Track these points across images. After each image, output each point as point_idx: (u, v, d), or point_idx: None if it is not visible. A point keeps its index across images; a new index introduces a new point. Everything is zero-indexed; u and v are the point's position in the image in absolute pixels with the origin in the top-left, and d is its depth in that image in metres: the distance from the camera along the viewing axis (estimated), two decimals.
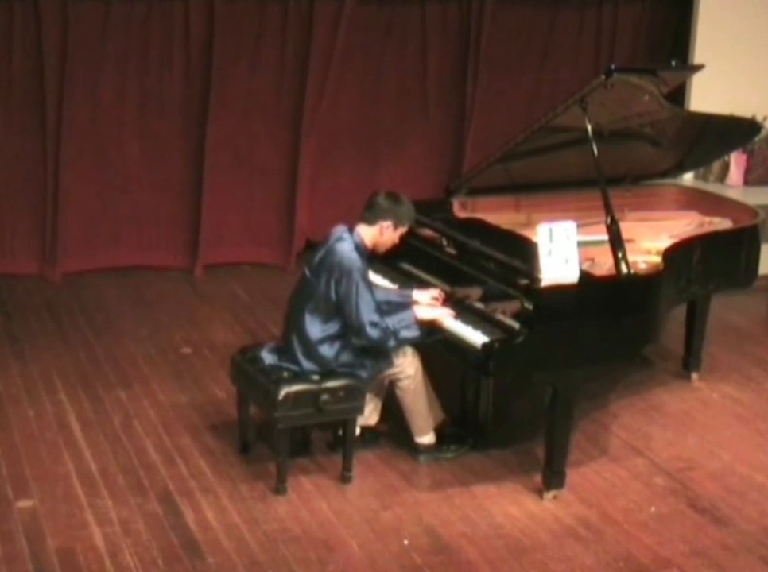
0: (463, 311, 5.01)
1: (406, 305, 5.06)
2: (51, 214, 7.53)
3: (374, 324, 4.80)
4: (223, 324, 6.91)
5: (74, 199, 7.55)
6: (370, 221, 4.93)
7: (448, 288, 5.21)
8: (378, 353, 4.95)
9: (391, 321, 4.87)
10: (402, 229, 4.99)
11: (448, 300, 5.14)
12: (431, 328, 4.97)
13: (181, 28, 7.56)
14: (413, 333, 4.89)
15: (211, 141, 7.73)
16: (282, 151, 8.00)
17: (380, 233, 4.94)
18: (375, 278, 5.36)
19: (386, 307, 5.02)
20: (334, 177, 8.23)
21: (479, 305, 5.01)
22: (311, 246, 7.64)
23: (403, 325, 4.88)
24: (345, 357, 4.91)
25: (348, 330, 4.87)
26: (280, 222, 8.11)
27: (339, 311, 4.85)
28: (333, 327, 4.88)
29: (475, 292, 5.09)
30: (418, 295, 5.15)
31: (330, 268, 4.83)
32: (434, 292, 5.17)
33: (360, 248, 4.89)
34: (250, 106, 7.86)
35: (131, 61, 7.53)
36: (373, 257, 5.11)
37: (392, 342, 4.87)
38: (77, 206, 7.59)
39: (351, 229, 4.94)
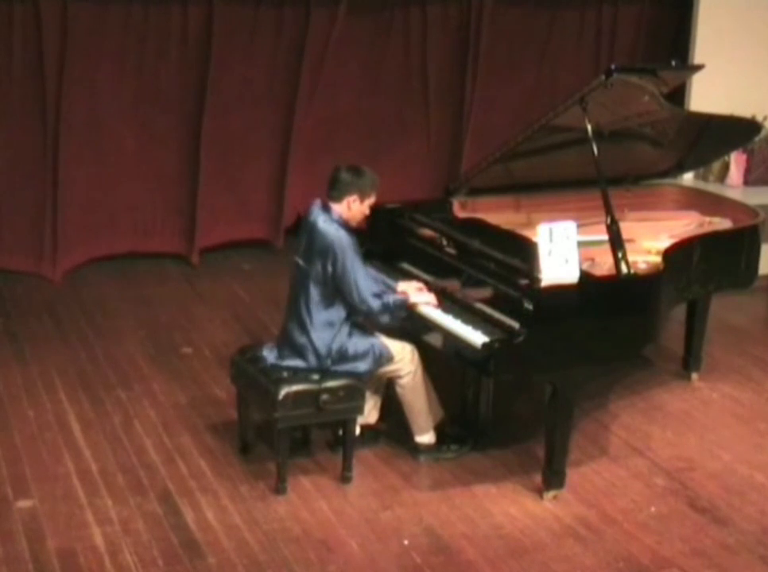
0: (463, 310, 5.01)
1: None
2: (50, 205, 7.55)
3: (376, 295, 4.89)
4: (223, 324, 6.91)
5: (73, 191, 7.58)
6: (337, 198, 4.94)
7: (429, 279, 5.24)
8: (378, 349, 4.97)
9: (389, 297, 4.96)
10: (369, 200, 5.00)
11: (429, 291, 5.17)
12: (412, 316, 5.06)
13: (179, 24, 7.61)
14: (403, 313, 5.00)
15: (207, 130, 7.80)
16: (276, 133, 8.06)
17: (348, 208, 4.94)
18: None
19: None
20: (330, 161, 8.21)
21: (481, 306, 5.00)
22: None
23: (397, 304, 4.96)
24: (350, 347, 4.91)
25: (351, 309, 4.90)
26: (270, 199, 8.21)
27: (339, 292, 4.87)
28: (336, 314, 4.90)
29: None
30: (403, 286, 5.17)
31: (322, 252, 4.85)
32: (417, 284, 5.20)
33: (340, 221, 4.91)
34: (245, 94, 7.92)
35: (129, 55, 7.57)
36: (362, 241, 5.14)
37: (386, 318, 4.97)
38: (76, 197, 7.62)
39: (325, 206, 4.94)
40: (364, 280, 4.87)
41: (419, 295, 5.09)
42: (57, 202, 7.55)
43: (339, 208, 4.93)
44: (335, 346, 4.90)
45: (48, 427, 5.41)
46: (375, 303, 4.88)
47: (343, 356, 4.92)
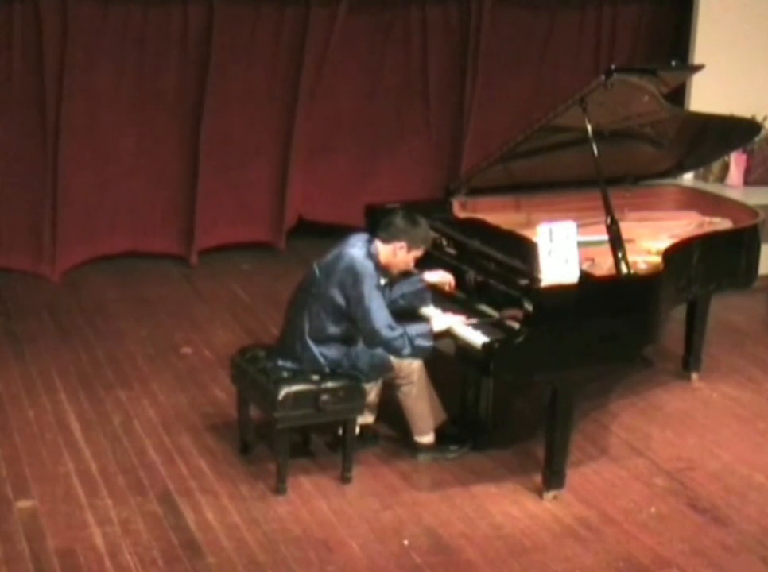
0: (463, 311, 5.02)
1: (421, 293, 5.07)
2: (50, 204, 7.55)
3: (391, 327, 4.77)
4: (223, 324, 6.90)
5: (72, 190, 7.59)
6: (385, 239, 4.90)
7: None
8: (379, 359, 4.93)
9: (409, 329, 4.80)
10: (417, 253, 4.95)
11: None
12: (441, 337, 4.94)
13: (179, 24, 7.62)
14: (428, 342, 4.80)
15: (207, 131, 7.80)
16: (276, 134, 8.07)
17: (393, 254, 4.90)
18: None
19: (403, 302, 5.05)
20: (331, 161, 8.34)
21: (492, 312, 4.97)
22: (303, 223, 7.77)
23: (420, 333, 4.80)
24: (350, 361, 4.89)
25: (359, 334, 4.86)
26: (271, 200, 8.21)
27: (347, 315, 4.83)
28: (336, 331, 4.87)
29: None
30: (429, 276, 5.12)
31: (340, 272, 4.80)
32: (443, 273, 5.13)
33: (374, 258, 4.85)
34: (245, 94, 7.93)
35: (129, 55, 7.58)
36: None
37: (407, 350, 4.79)
38: (75, 197, 7.62)
39: (370, 240, 4.91)
40: (379, 311, 4.76)
41: (443, 322, 4.92)
42: (57, 202, 7.55)
43: (382, 248, 4.88)
44: (335, 360, 4.89)
45: (48, 427, 5.41)
46: (390, 334, 4.75)
47: (342, 367, 4.91)
